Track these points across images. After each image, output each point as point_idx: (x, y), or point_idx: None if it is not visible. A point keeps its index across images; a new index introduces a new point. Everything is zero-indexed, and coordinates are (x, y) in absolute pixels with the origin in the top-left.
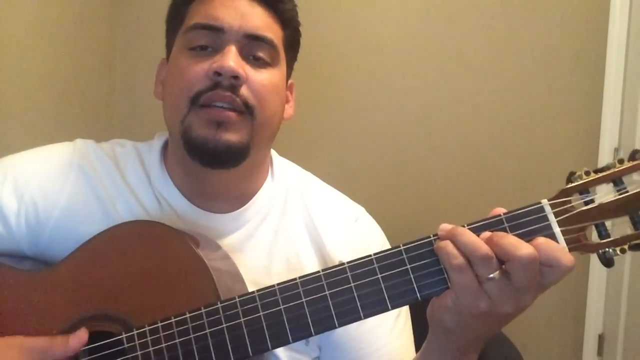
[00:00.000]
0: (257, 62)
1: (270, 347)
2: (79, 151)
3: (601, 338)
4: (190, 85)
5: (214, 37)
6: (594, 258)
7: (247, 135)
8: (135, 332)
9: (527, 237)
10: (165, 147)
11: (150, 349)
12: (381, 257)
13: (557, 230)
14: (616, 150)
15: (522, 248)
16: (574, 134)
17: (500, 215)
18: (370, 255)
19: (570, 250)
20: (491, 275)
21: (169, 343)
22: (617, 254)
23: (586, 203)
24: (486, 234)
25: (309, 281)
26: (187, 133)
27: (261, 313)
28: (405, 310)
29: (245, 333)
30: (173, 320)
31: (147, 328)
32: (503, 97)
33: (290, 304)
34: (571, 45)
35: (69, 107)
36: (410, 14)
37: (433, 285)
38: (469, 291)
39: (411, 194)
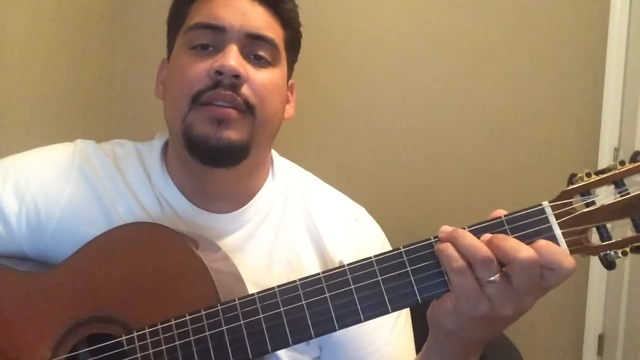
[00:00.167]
0: (258, 62)
1: (270, 350)
2: (80, 152)
3: (601, 338)
4: (191, 84)
5: (215, 36)
6: (594, 259)
7: (247, 134)
8: (135, 334)
9: (528, 239)
10: (165, 147)
11: (150, 351)
12: (381, 259)
13: (558, 232)
14: (616, 150)
15: (523, 251)
16: (574, 134)
17: (501, 217)
18: (370, 258)
19: (571, 252)
20: (492, 278)
21: (168, 345)
22: (619, 257)
23: (587, 205)
24: (487, 236)
25: (309, 283)
26: (188, 131)
27: (261, 315)
28: (405, 311)
29: (245, 335)
30: (173, 322)
31: (147, 330)
32: (503, 98)
33: (291, 306)
34: (571, 46)
35: (69, 107)
36: (411, 15)
37: (433, 287)
38: (470, 294)
39: (412, 195)
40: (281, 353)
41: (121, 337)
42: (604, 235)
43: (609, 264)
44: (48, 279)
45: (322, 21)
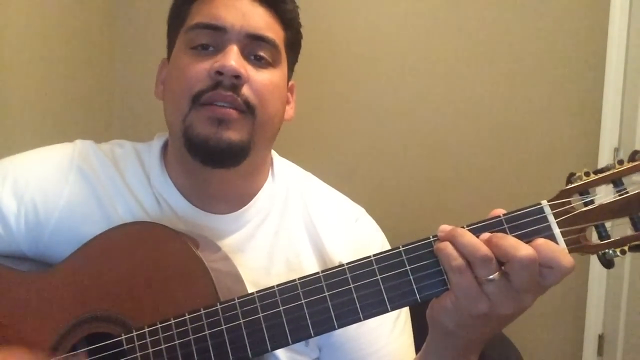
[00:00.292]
0: (258, 62)
1: (269, 349)
2: (79, 152)
3: (601, 338)
4: (191, 84)
5: (216, 36)
6: (594, 258)
7: (247, 134)
8: (134, 333)
9: (527, 238)
10: (165, 147)
11: (150, 350)
12: (381, 258)
13: (557, 231)
14: (616, 150)
15: (522, 249)
16: (574, 134)
17: (500, 216)
18: (369, 257)
19: (570, 251)
20: (491, 277)
21: (168, 344)
22: (617, 255)
23: (586, 204)
24: (486, 235)
25: (309, 282)
26: (189, 132)
27: (260, 314)
28: (405, 311)
29: (245, 334)
30: (172, 321)
31: (146, 329)
32: (503, 98)
33: (290, 305)
34: (571, 45)
35: (69, 107)
36: (411, 15)
37: (433, 286)
38: (469, 292)
39: (411, 194)
40: (280, 354)
41: (120, 336)
42: (602, 234)
43: (608, 263)
44: (47, 279)
45: (323, 22)
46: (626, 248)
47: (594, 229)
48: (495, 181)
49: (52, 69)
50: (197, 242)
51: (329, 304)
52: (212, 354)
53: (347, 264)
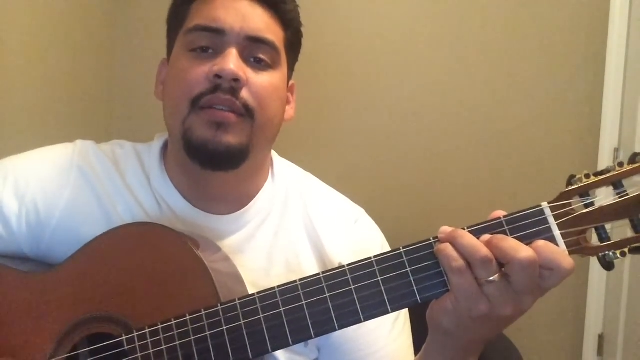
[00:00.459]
0: (258, 65)
1: (270, 350)
2: (79, 152)
3: (601, 338)
4: (190, 87)
5: (215, 39)
6: (594, 259)
7: (246, 137)
8: (135, 334)
9: (527, 240)
10: (164, 148)
11: (151, 350)
12: (381, 259)
13: (557, 233)
14: (616, 150)
15: (522, 251)
16: (574, 134)
17: (500, 217)
18: (370, 258)
19: (570, 253)
20: (491, 278)
21: (169, 345)
22: (618, 257)
23: (586, 206)
24: (486, 236)
25: (309, 283)
26: (188, 135)
27: (261, 315)
28: (404, 313)
29: (245, 335)
30: (173, 322)
31: (147, 330)
32: (503, 98)
33: (291, 306)
34: (571, 46)
35: (69, 107)
36: (411, 15)
37: (433, 287)
38: (469, 294)
39: (411, 195)
40: (279, 355)
41: (121, 336)
42: (602, 236)
43: (608, 265)
44: (48, 279)
45: (323, 21)
46: (626, 250)
47: (594, 231)
48: (496, 182)
49: (52, 69)
50: (197, 242)
51: (330, 305)
52: (212, 355)
53: (348, 265)
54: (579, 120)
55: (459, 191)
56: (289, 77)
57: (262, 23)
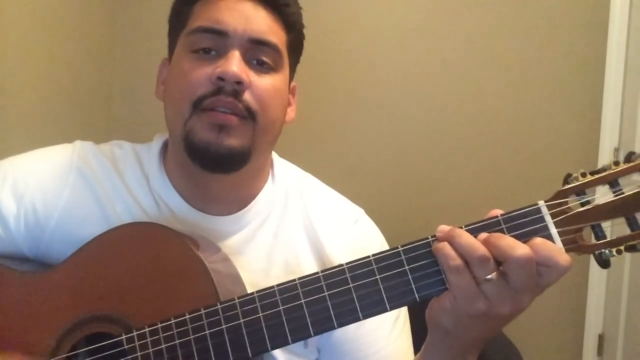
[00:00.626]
0: (260, 67)
1: (269, 348)
2: (78, 153)
3: (601, 338)
4: (193, 89)
5: (218, 40)
6: (593, 259)
7: (248, 140)
8: (135, 333)
9: (524, 238)
10: (164, 148)
11: (150, 350)
12: (379, 258)
13: (553, 231)
14: (616, 150)
15: (519, 249)
16: (574, 134)
17: (497, 216)
18: (369, 256)
19: (566, 251)
20: (489, 277)
21: (168, 344)
22: (614, 255)
23: (582, 204)
24: (483, 235)
25: (308, 282)
26: (189, 136)
27: (260, 314)
28: (404, 312)
29: (245, 334)
30: (173, 321)
31: (147, 329)
32: (503, 98)
33: (290, 304)
34: (571, 46)
35: (69, 108)
36: (412, 14)
37: (431, 286)
38: (467, 292)
39: (410, 194)
40: (279, 355)
41: (121, 336)
42: (598, 234)
43: (604, 263)
44: (48, 279)
45: (323, 22)
46: (622, 248)
47: (590, 229)
48: (496, 182)
49: (52, 69)
50: (197, 242)
51: (329, 303)
52: (212, 354)
53: (347, 263)
54: (579, 120)
55: (458, 190)
56: (291, 78)
57: (265, 25)
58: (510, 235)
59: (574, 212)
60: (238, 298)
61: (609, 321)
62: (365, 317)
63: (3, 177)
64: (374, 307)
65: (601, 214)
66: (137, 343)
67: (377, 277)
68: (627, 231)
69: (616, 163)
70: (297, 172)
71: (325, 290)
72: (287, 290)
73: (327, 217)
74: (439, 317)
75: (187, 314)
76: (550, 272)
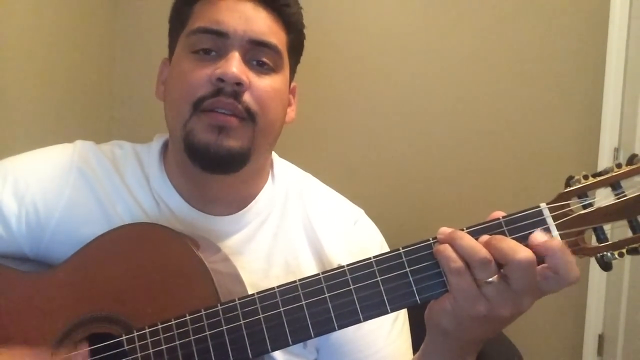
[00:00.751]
0: (260, 68)
1: (269, 350)
2: (79, 153)
3: (601, 338)
4: (193, 90)
5: (218, 41)
6: (594, 260)
7: (248, 141)
8: (135, 333)
9: (526, 240)
10: (164, 148)
11: (151, 350)
12: (381, 260)
13: (555, 233)
14: (616, 150)
15: (520, 252)
16: (574, 134)
17: (499, 218)
18: (369, 258)
19: None
20: (490, 279)
21: (169, 345)
22: (616, 258)
23: (584, 207)
24: (485, 237)
25: (309, 284)
26: (189, 137)
27: (261, 315)
28: (403, 314)
29: (245, 335)
30: (173, 322)
31: (147, 330)
32: (503, 98)
33: (290, 306)
34: (571, 46)
35: (69, 108)
36: (412, 15)
37: (432, 288)
38: (468, 295)
39: (411, 196)
40: (278, 356)
41: (121, 336)
42: (600, 236)
43: (606, 265)
44: (48, 279)
45: (323, 22)
46: (624, 250)
47: (592, 231)
48: (495, 182)
49: (52, 69)
50: (197, 242)
51: (329, 305)
52: (212, 355)
53: (348, 265)
54: (579, 120)
55: (459, 191)
56: (291, 79)
57: (266, 26)
58: (512, 238)
59: (576, 214)
60: (239, 299)
61: (609, 321)
62: (366, 318)
63: (4, 177)
64: (374, 309)
65: (603, 216)
66: (137, 344)
67: (378, 278)
68: (629, 233)
69: (618, 165)
70: (297, 172)
71: (326, 292)
72: (288, 291)
73: (326, 218)
74: (439, 319)
75: (187, 315)
76: (556, 279)
